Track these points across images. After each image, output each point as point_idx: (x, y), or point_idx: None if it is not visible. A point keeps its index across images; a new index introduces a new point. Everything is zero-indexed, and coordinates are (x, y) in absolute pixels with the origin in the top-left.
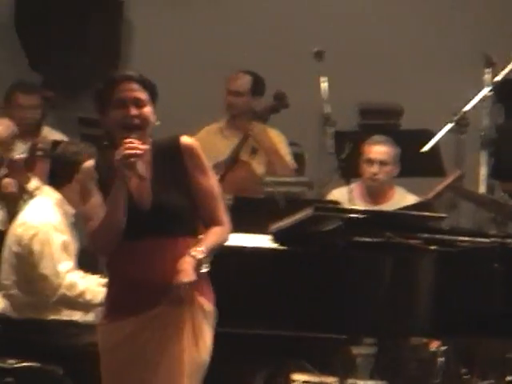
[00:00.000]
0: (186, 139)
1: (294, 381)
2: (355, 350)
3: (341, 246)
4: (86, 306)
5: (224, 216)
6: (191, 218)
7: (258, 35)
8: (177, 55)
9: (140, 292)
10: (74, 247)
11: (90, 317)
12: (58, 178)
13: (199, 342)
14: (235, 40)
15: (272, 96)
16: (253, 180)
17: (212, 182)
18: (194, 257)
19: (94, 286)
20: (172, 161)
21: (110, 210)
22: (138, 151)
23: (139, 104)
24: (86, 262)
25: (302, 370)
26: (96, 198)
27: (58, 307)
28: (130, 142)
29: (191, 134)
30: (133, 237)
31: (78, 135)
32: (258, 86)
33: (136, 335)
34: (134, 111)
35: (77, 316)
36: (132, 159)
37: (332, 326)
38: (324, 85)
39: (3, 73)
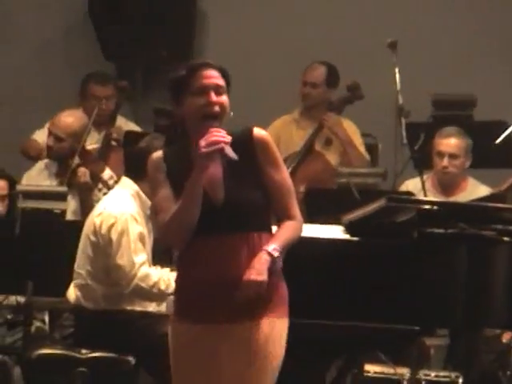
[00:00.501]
0: (258, 131)
1: (367, 371)
2: (428, 341)
3: (414, 237)
4: (160, 297)
5: (296, 210)
6: (264, 212)
7: (331, 26)
8: (250, 46)
9: (211, 295)
10: (150, 239)
11: (163, 307)
12: (134, 171)
13: (268, 354)
14: (309, 31)
15: (346, 87)
16: (327, 171)
17: (284, 175)
18: (270, 254)
19: (166, 276)
20: (245, 153)
21: (185, 203)
22: (226, 139)
23: (219, 91)
24: (160, 255)
25: (376, 360)
26: (166, 190)
27: (132, 298)
28: (217, 131)
29: (265, 124)
30: (206, 233)
31: (153, 126)
32: (332, 78)
33: (203, 343)
34: (215, 98)
35: (150, 307)
36: (220, 146)
37: (406, 317)
38: (398, 75)
39: (78, 64)
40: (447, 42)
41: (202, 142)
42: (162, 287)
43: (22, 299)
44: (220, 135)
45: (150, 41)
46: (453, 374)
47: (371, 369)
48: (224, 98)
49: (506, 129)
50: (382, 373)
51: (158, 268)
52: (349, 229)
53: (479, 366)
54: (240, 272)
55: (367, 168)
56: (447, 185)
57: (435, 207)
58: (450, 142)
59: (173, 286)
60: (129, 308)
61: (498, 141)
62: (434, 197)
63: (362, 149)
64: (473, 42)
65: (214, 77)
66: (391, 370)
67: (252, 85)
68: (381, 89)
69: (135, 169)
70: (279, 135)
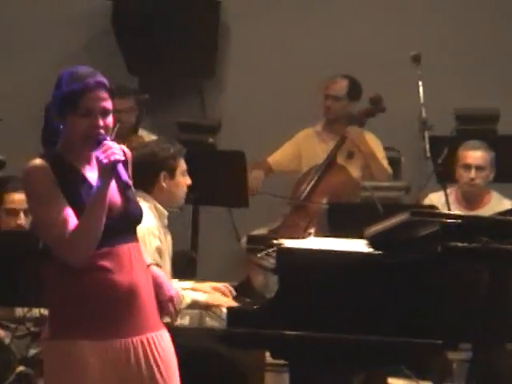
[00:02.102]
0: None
1: None
2: (451, 355)
3: (438, 251)
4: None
5: None
6: None
7: (354, 38)
8: (273, 59)
9: (122, 307)
10: (169, 251)
11: (185, 321)
12: (143, 184)
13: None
14: (332, 43)
15: (368, 100)
16: (350, 184)
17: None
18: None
19: (180, 291)
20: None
21: (95, 214)
22: (121, 157)
23: (107, 114)
24: (182, 268)
25: (399, 374)
26: (61, 202)
27: None
28: (111, 146)
29: (287, 136)
30: (109, 242)
31: (176, 140)
32: (355, 91)
33: (121, 360)
34: (101, 123)
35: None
36: (117, 163)
37: (429, 331)
38: (421, 89)
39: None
40: (470, 56)
41: (100, 154)
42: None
43: (45, 312)
44: (115, 151)
45: (173, 54)
46: None
47: (395, 382)
48: (109, 121)
49: None
50: None
51: (176, 281)
52: (371, 242)
53: (501, 381)
54: (145, 284)
55: (390, 182)
56: (471, 198)
57: (459, 221)
58: (477, 155)
59: (186, 301)
60: None
61: None
62: (457, 211)
63: (385, 162)
64: (496, 55)
65: (102, 99)
66: None
67: (274, 97)
68: (404, 102)
69: (146, 180)
70: (301, 148)
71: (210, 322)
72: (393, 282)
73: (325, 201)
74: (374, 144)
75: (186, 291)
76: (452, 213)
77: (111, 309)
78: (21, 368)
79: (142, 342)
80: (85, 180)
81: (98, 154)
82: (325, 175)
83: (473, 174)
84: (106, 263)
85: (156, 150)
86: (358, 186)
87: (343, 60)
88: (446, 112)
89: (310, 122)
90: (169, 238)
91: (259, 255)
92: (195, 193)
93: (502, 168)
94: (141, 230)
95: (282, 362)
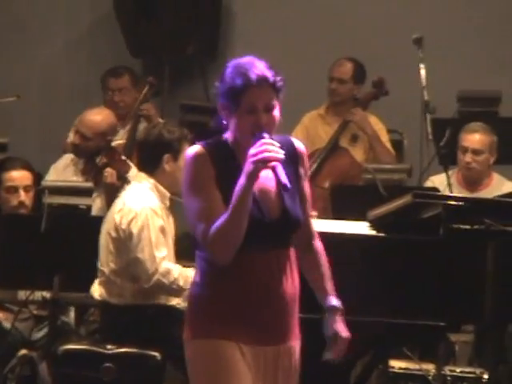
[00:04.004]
0: (300, 144)
1: (392, 367)
2: (454, 337)
3: (440, 233)
4: (178, 292)
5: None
6: None
7: (358, 21)
8: (276, 42)
9: (259, 316)
10: (171, 232)
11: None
12: (146, 164)
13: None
14: (335, 26)
15: (372, 83)
16: (353, 167)
17: (309, 188)
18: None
19: (185, 272)
20: (290, 167)
21: (236, 214)
22: (279, 156)
23: (269, 108)
24: (185, 250)
25: (401, 356)
26: (214, 195)
27: (152, 293)
28: (271, 144)
29: (292, 120)
30: (252, 248)
31: (178, 121)
32: (360, 74)
33: (255, 365)
34: (264, 119)
35: (174, 301)
36: (273, 164)
37: (432, 313)
38: (423, 71)
39: (105, 61)
40: (473, 38)
41: (253, 152)
42: (181, 283)
43: (48, 295)
44: (273, 151)
45: (176, 37)
46: (478, 371)
47: (396, 365)
48: (274, 114)
49: None
50: (408, 369)
51: (177, 265)
52: (374, 225)
53: (506, 363)
54: (286, 292)
55: (393, 164)
56: (472, 181)
57: (461, 203)
58: (474, 138)
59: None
60: (154, 303)
61: None
62: (459, 193)
63: (389, 145)
64: (499, 38)
65: (264, 95)
66: (416, 366)
67: None
68: (407, 85)
69: (150, 161)
70: (307, 132)
71: None
72: (393, 263)
73: (328, 184)
74: (379, 127)
75: (189, 270)
76: (454, 195)
77: (250, 313)
78: (24, 351)
79: (273, 353)
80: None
81: (250, 150)
82: (328, 158)
83: (468, 157)
84: (252, 267)
85: (162, 132)
86: (362, 169)
87: (346, 43)
88: (448, 94)
89: (313, 105)
90: (171, 219)
91: None
92: None
93: (504, 150)
94: (144, 209)
95: None
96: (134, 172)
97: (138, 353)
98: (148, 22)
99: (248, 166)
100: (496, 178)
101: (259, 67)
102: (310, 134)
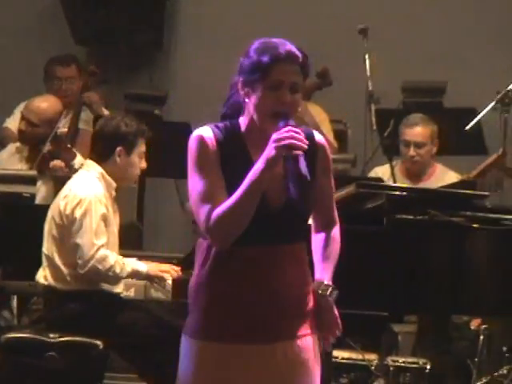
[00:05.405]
0: (320, 137)
1: (335, 357)
2: (397, 328)
3: (384, 223)
4: (114, 279)
5: (336, 214)
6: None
7: (302, 11)
8: (218, 32)
9: (259, 314)
10: (114, 222)
11: (131, 292)
12: (98, 153)
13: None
14: (279, 16)
15: (315, 73)
16: None
17: (331, 179)
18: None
19: (121, 260)
20: (307, 159)
21: (245, 198)
22: (304, 146)
23: (295, 89)
24: (131, 239)
25: (344, 346)
26: (217, 177)
27: (91, 279)
28: (297, 132)
29: None
30: (250, 242)
31: (123, 111)
32: (305, 67)
33: (254, 364)
34: (289, 98)
35: (118, 289)
36: (297, 153)
37: (375, 304)
38: (368, 62)
39: (51, 49)
40: (418, 29)
41: (277, 137)
42: (117, 271)
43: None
44: (299, 139)
45: (121, 26)
46: (420, 361)
47: (339, 355)
48: (298, 98)
49: (476, 116)
50: (350, 358)
51: (114, 253)
52: None
53: (448, 353)
54: (290, 291)
55: (336, 154)
56: (416, 172)
57: (404, 193)
58: (416, 131)
59: (127, 270)
60: (98, 289)
61: (467, 127)
62: (403, 183)
63: (331, 135)
64: (443, 28)
65: (292, 72)
66: (359, 356)
67: (221, 70)
68: (351, 75)
69: (102, 150)
70: None
71: (154, 293)
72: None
73: None
74: (322, 117)
75: (128, 259)
76: (398, 185)
77: (246, 312)
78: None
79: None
80: (252, 165)
81: (274, 135)
82: None
83: (412, 151)
84: (250, 262)
85: (120, 124)
86: None
87: (290, 33)
88: (393, 85)
89: None
90: (115, 207)
91: None
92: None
93: (448, 141)
94: (88, 196)
95: None
96: (78, 160)
97: (81, 341)
98: (92, 10)
99: (270, 151)
100: (439, 168)
101: (289, 45)
102: None
